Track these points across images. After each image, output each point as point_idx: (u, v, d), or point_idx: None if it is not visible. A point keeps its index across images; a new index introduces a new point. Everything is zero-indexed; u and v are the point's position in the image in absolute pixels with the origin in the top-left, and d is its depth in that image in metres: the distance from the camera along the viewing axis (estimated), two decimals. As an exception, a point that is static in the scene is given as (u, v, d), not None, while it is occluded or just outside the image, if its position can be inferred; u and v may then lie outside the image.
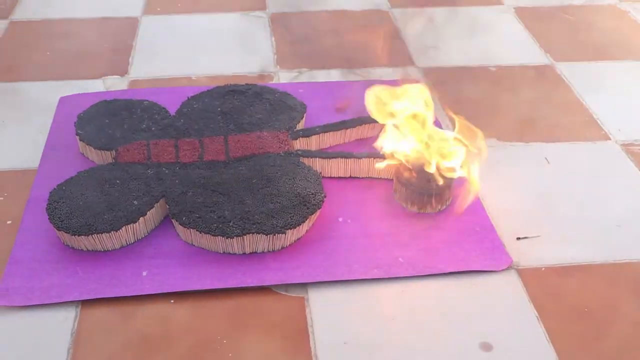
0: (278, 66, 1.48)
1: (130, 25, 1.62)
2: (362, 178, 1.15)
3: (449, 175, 1.08)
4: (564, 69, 1.48)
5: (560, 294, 0.97)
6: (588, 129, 1.30)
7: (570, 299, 0.96)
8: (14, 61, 1.48)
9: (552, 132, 1.29)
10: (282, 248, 1.01)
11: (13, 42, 1.55)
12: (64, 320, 0.91)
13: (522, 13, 1.71)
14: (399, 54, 1.53)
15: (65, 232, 0.99)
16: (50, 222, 1.01)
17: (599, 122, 1.31)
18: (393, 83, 1.36)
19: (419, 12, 1.72)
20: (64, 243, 1.02)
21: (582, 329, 0.92)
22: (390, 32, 1.62)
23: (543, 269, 1.01)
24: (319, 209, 1.04)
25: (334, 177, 1.15)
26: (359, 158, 1.14)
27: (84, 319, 0.92)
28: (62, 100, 1.34)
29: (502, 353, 0.88)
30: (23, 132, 1.26)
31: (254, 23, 1.65)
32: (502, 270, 1.00)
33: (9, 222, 1.06)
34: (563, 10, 1.73)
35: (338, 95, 1.35)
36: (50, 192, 1.05)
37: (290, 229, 1.00)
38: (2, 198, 1.11)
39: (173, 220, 1.03)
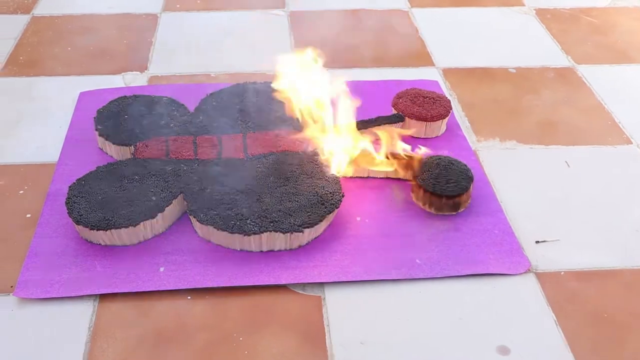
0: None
1: (150, 22, 1.63)
2: (381, 178, 1.15)
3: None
4: (585, 71, 1.47)
5: (579, 299, 0.96)
6: (609, 132, 1.29)
7: (589, 304, 0.96)
8: (35, 56, 1.49)
9: (573, 136, 1.28)
10: (300, 247, 1.01)
11: (34, 37, 1.56)
12: (81, 314, 0.92)
13: (544, 15, 1.70)
14: (418, 54, 1.53)
15: (84, 227, 1.00)
16: (69, 216, 1.01)
17: (620, 125, 1.31)
18: (411, 84, 1.37)
19: (438, 12, 1.71)
20: (82, 237, 1.02)
21: (601, 335, 0.91)
22: (410, 32, 1.62)
23: (562, 273, 1.00)
24: (336, 208, 1.04)
25: (353, 177, 1.15)
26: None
27: (101, 313, 0.93)
28: (82, 96, 1.35)
29: (519, 357, 0.88)
30: (43, 126, 1.27)
31: (273, 21, 1.65)
32: (520, 273, 0.99)
33: (28, 215, 1.07)
34: (585, 12, 1.72)
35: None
36: (70, 187, 1.06)
37: (308, 227, 1.00)
38: (22, 191, 1.12)
39: (191, 217, 1.04)
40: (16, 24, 1.60)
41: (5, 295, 0.94)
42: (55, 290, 0.94)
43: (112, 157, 1.18)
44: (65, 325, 0.91)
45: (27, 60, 1.47)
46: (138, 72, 1.44)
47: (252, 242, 0.99)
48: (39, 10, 1.67)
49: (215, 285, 0.95)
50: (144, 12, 1.67)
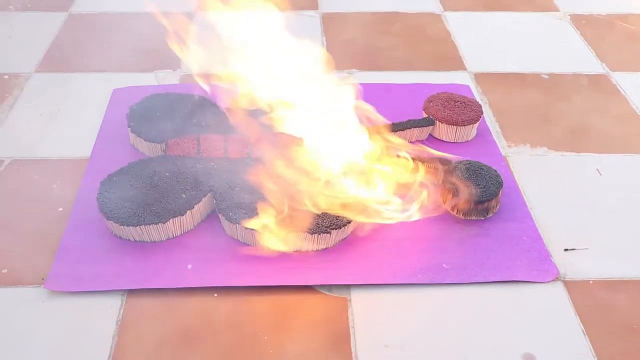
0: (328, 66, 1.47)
1: (184, 20, 1.64)
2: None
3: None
4: (619, 78, 1.45)
5: (608, 309, 0.95)
6: (642, 141, 1.27)
7: (619, 315, 0.94)
8: (70, 53, 1.51)
9: (605, 143, 1.26)
10: (327, 248, 1.01)
11: (71, 34, 1.58)
12: (110, 308, 0.93)
13: (579, 21, 1.68)
14: (450, 58, 1.52)
15: (114, 222, 1.01)
16: (100, 212, 1.02)
17: (654, 134, 1.29)
18: (442, 88, 1.36)
19: (471, 16, 1.70)
20: (112, 232, 1.03)
21: (630, 347, 0.90)
22: (442, 35, 1.61)
23: (591, 282, 0.99)
24: (364, 210, 1.03)
25: (381, 179, 1.14)
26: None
27: (129, 307, 0.93)
28: (115, 93, 1.36)
29: (545, 365, 0.87)
30: (77, 122, 1.28)
31: (305, 22, 1.65)
32: (549, 281, 0.98)
33: (60, 209, 1.08)
34: (622, 18, 1.69)
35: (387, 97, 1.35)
36: (101, 182, 1.07)
37: (336, 229, 1.00)
38: (55, 186, 1.13)
39: (219, 215, 1.04)
40: (54, 21, 1.62)
41: (37, 287, 0.95)
42: (85, 284, 0.95)
43: (143, 153, 1.19)
44: (93, 319, 0.92)
45: (63, 57, 1.49)
46: (170, 70, 1.45)
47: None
48: (76, 8, 1.69)
49: (242, 284, 0.96)
50: (179, 10, 1.68)
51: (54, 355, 0.87)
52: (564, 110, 1.35)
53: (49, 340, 0.89)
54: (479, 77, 1.45)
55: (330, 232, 0.99)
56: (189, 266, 0.98)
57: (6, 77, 1.41)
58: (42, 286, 0.95)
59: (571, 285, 0.98)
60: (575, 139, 1.27)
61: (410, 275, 0.98)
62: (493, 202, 1.07)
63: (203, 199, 1.05)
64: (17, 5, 1.69)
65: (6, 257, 1.00)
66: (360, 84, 1.39)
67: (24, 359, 0.87)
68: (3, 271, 0.98)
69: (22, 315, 0.92)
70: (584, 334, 0.91)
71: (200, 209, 1.05)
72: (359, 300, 0.95)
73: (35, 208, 1.08)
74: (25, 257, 1.00)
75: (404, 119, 1.23)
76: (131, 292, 0.95)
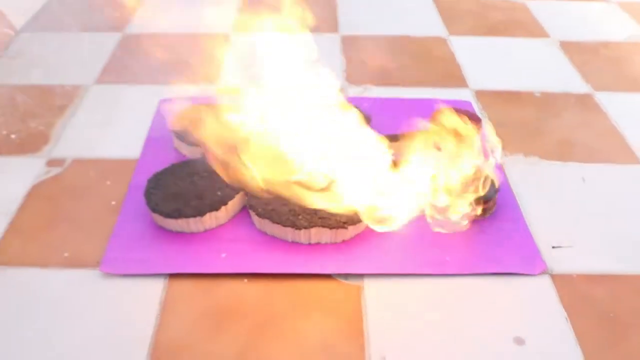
0: (347, 82, 1.47)
1: (222, 40, 1.64)
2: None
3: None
4: (602, 98, 1.43)
5: (589, 299, 0.94)
6: (621, 152, 1.25)
7: (599, 305, 0.93)
8: (124, 67, 1.52)
9: (589, 154, 1.25)
10: (343, 241, 1.01)
11: (124, 51, 1.59)
12: (153, 290, 0.93)
13: (567, 46, 1.66)
14: (454, 77, 1.51)
15: (159, 215, 1.01)
16: (147, 205, 1.03)
17: (631, 147, 1.27)
18: (447, 103, 1.35)
19: (473, 40, 1.69)
20: (157, 224, 1.04)
21: (608, 332, 0.89)
22: (448, 56, 1.60)
23: (574, 276, 0.98)
24: (377, 209, 1.03)
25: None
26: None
27: (170, 290, 0.94)
28: (162, 102, 1.37)
29: (533, 348, 0.86)
30: (128, 127, 1.29)
31: (327, 44, 1.65)
32: (537, 274, 0.97)
33: (113, 202, 1.09)
34: (604, 45, 1.67)
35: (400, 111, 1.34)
36: (148, 180, 1.07)
37: (352, 225, 0.99)
38: (108, 182, 1.14)
39: (250, 211, 1.04)
40: (111, 40, 1.64)
41: (93, 270, 0.96)
42: (133, 268, 0.96)
43: (185, 155, 1.20)
44: (140, 299, 0.92)
45: (117, 71, 1.50)
46: (210, 84, 1.45)
47: (302, 235, 0.99)
48: (129, 30, 1.70)
49: (268, 271, 0.96)
50: (217, 31, 1.69)
51: (106, 329, 0.88)
52: (553, 124, 1.34)
53: (102, 315, 0.90)
54: (480, 94, 1.44)
55: (347, 227, 0.99)
56: (223, 255, 0.98)
57: (69, 88, 1.42)
58: (97, 269, 0.96)
59: (557, 279, 0.97)
60: (563, 150, 1.26)
61: (416, 266, 0.97)
62: (490, 204, 1.07)
63: (236, 196, 1.05)
64: (79, 27, 1.71)
65: (68, 242, 1.01)
66: (377, 98, 1.40)
67: (81, 330, 0.88)
68: (65, 255, 0.99)
69: (80, 293, 0.93)
70: (567, 320, 0.90)
71: (233, 205, 1.05)
72: (371, 288, 0.95)
73: (92, 201, 1.09)
74: (84, 243, 1.01)
75: (413, 129, 1.22)
76: (172, 276, 0.96)
